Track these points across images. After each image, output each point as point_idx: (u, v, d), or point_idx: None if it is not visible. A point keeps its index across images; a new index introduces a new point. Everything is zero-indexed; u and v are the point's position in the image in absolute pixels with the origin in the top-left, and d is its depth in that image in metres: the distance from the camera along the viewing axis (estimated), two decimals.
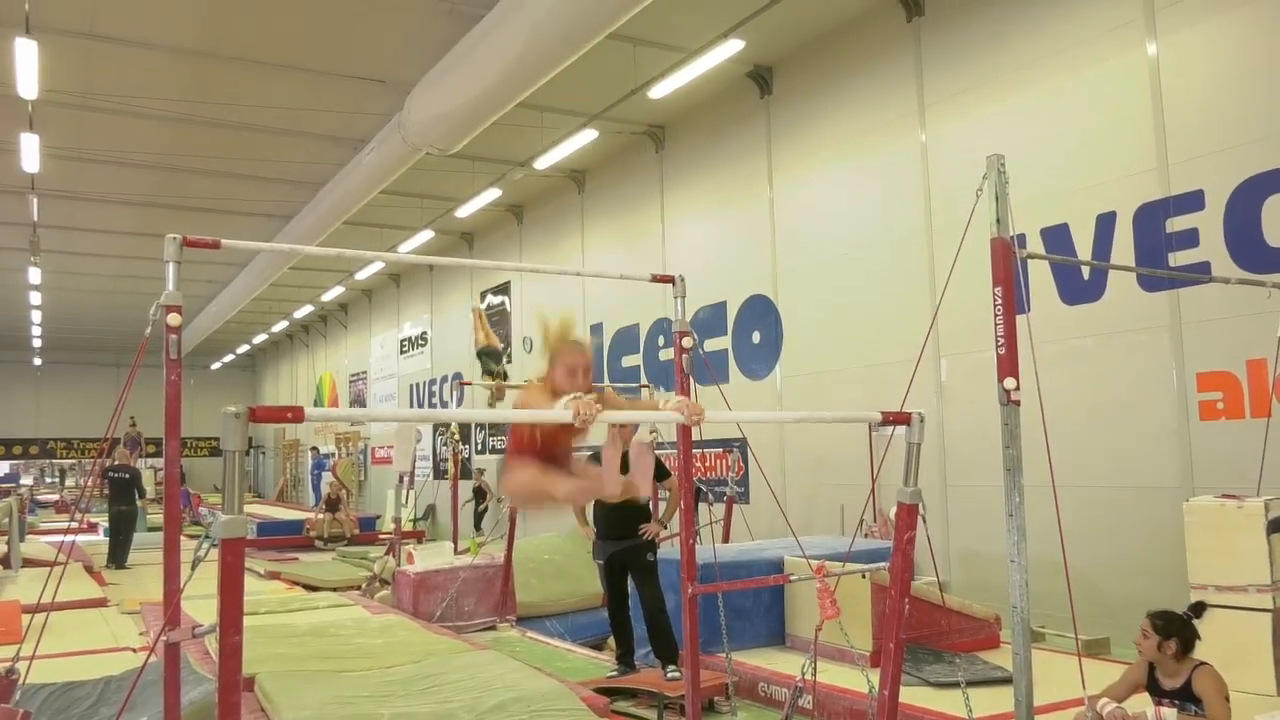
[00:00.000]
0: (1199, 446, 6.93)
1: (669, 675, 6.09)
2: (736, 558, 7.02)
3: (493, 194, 14.47)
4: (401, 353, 22.24)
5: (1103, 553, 7.29)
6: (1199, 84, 7.06)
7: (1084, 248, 7.66)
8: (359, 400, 24.95)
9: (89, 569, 11.63)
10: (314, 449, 27.82)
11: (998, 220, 4.07)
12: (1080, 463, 7.36)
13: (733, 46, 9.51)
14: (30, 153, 11.77)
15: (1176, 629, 4.03)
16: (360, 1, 9.18)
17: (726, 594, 6.15)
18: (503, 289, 17.35)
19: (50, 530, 18.19)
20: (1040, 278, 7.81)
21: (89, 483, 17.91)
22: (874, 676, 4.08)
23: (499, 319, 17.50)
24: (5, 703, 3.82)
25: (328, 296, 23.97)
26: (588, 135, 11.88)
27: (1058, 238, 7.83)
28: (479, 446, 18.17)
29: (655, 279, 5.06)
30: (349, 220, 14.08)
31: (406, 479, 13.08)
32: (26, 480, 32.09)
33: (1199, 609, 4.21)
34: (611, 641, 7.22)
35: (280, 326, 28.55)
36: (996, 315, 4.04)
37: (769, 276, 10.98)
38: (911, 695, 4.99)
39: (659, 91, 10.45)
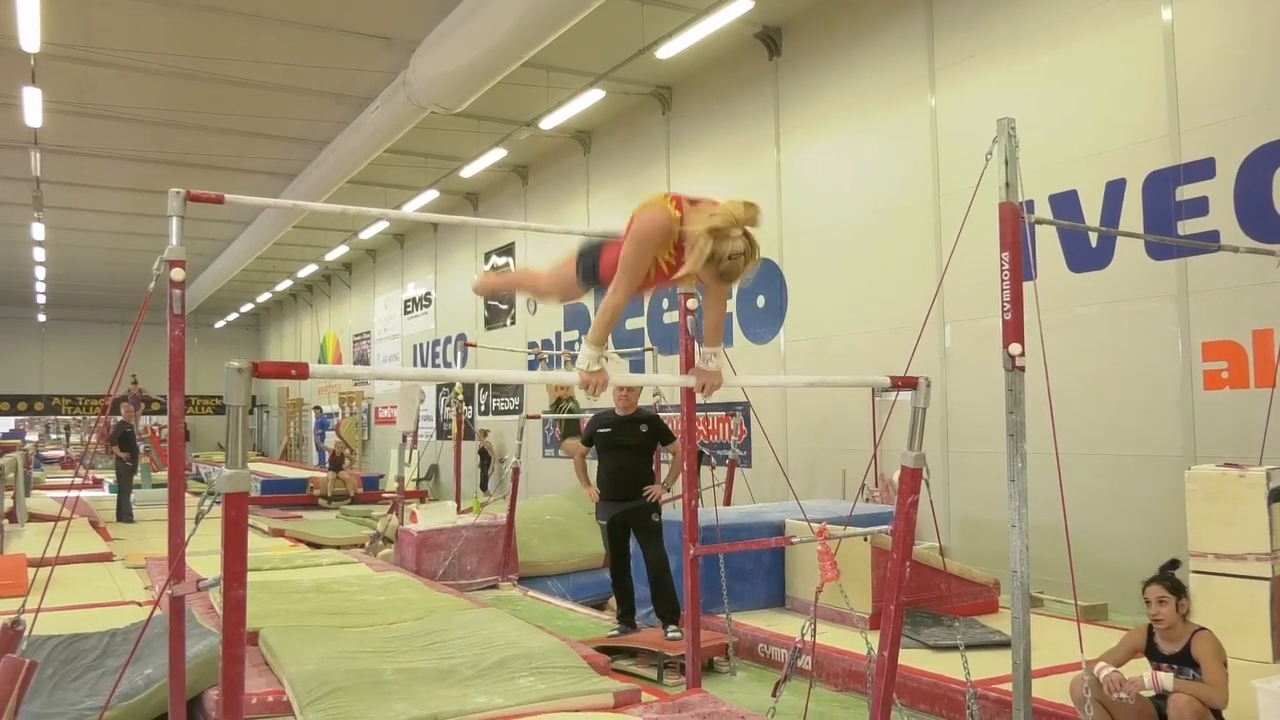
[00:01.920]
0: (1203, 416, 6.92)
1: (670, 635, 6.14)
2: (738, 520, 7.05)
3: (498, 154, 14.38)
4: (405, 313, 22.24)
5: (1103, 520, 7.31)
6: (1212, 51, 6.97)
7: (1093, 215, 7.61)
8: (363, 360, 24.99)
9: (94, 524, 11.71)
10: (317, 408, 27.94)
11: (1007, 185, 4.04)
12: (1083, 430, 7.36)
13: (741, 6, 9.38)
14: (33, 107, 11.69)
15: (1181, 587, 4.06)
16: None
17: (727, 556, 6.19)
18: (507, 250, 17.30)
19: (55, 486, 18.32)
20: (1048, 244, 7.77)
21: (93, 439, 18.03)
22: (873, 639, 4.11)
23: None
24: (11, 652, 3.86)
25: (332, 256, 23.90)
26: (594, 95, 11.78)
27: (1066, 204, 7.78)
28: (482, 407, 18.22)
29: None
30: (353, 179, 14.02)
31: (410, 439, 13.13)
32: (31, 436, 32.26)
33: (1175, 564, 4.23)
34: (612, 601, 7.28)
35: (284, 285, 28.52)
36: (1003, 281, 4.02)
37: (775, 240, 10.93)
38: (910, 658, 5.03)
39: (667, 52, 10.34)
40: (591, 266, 3.39)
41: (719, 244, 2.81)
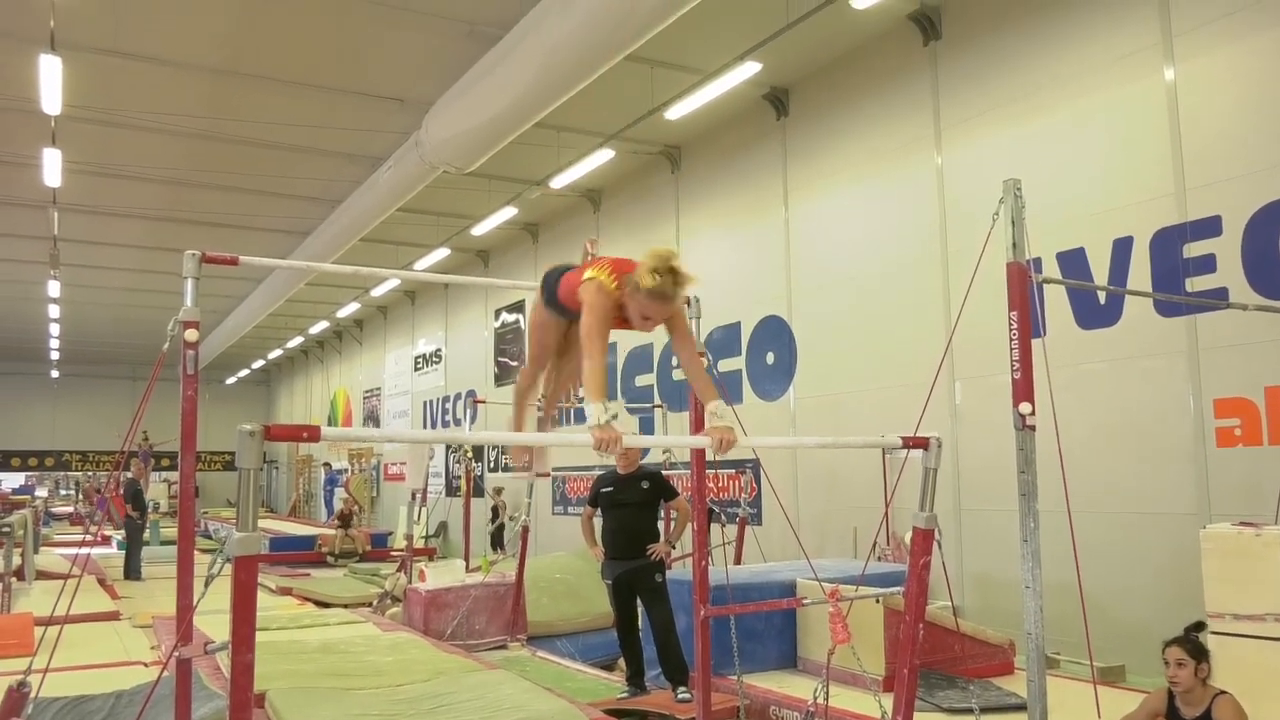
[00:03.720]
0: (1216, 473, 6.87)
1: (679, 697, 6.06)
2: (749, 579, 6.99)
3: (509, 212, 14.52)
4: (416, 369, 22.30)
5: (1118, 579, 7.22)
6: (1217, 109, 7.05)
7: (1100, 272, 7.63)
8: (373, 416, 25.01)
9: (102, 582, 11.66)
10: (327, 464, 27.89)
11: (1014, 244, 4.06)
12: (1095, 488, 7.31)
13: (749, 69, 9.54)
14: (52, 167, 11.88)
15: (1203, 650, 4.01)
16: (380, 21, 9.27)
17: (738, 616, 6.12)
18: (517, 307, 17.40)
19: (64, 543, 18.27)
20: (1056, 302, 7.79)
21: (105, 494, 18.02)
22: (887, 701, 4.05)
23: (512, 337, 17.54)
24: (17, 715, 3.82)
25: (343, 313, 24.08)
26: (604, 155, 11.92)
27: (1074, 262, 7.81)
28: (491, 464, 18.18)
29: None
30: (365, 237, 14.16)
31: (419, 496, 13.09)
32: (41, 492, 32.25)
33: (1198, 627, 4.17)
34: (622, 662, 7.19)
35: (295, 342, 28.68)
36: (1012, 340, 4.02)
37: (783, 297, 10.98)
38: None
39: (675, 113, 10.49)
40: (552, 289, 3.73)
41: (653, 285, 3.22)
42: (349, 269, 4.79)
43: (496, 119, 8.98)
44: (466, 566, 10.98)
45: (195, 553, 3.97)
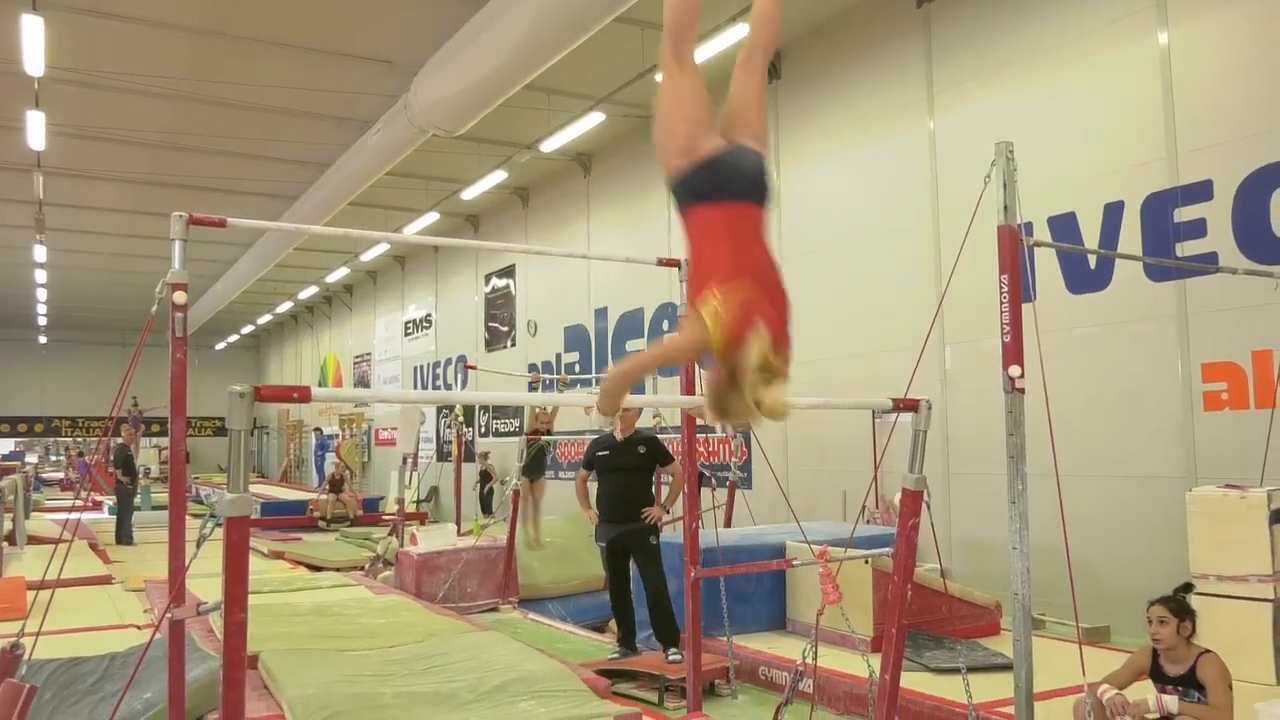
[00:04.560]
0: (1203, 437, 6.92)
1: (670, 658, 6.11)
2: (739, 542, 7.04)
3: (499, 176, 14.44)
4: (406, 335, 22.26)
5: (1104, 542, 7.29)
6: (1210, 74, 7.02)
7: (1091, 237, 7.64)
8: (363, 382, 24.98)
9: (94, 546, 11.68)
10: (317, 430, 27.88)
11: (1005, 208, 4.06)
12: (1083, 452, 7.36)
13: (740, 30, 9.44)
14: (36, 130, 11.75)
15: (1187, 609, 4.05)
16: None
17: (728, 578, 6.17)
18: (507, 272, 17.35)
19: (55, 508, 18.27)
20: (1046, 266, 7.79)
21: (94, 460, 18.01)
22: (875, 661, 4.10)
23: (503, 303, 17.50)
24: (10, 677, 3.84)
25: (332, 278, 23.95)
26: (595, 119, 11.83)
27: (1065, 226, 7.81)
28: (482, 429, 18.21)
29: (661, 262, 5.06)
30: (354, 201, 14.06)
31: (410, 461, 13.11)
32: (31, 458, 32.21)
33: (1187, 588, 4.23)
34: (613, 624, 7.26)
35: (285, 307, 28.55)
36: (1002, 303, 4.03)
37: None
38: (912, 680, 5.01)
39: None
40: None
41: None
42: (338, 232, 4.77)
43: (486, 81, 8.91)
44: (458, 530, 11.05)
45: (186, 517, 3.98)
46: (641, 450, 6.69)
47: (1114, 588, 7.01)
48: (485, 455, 16.82)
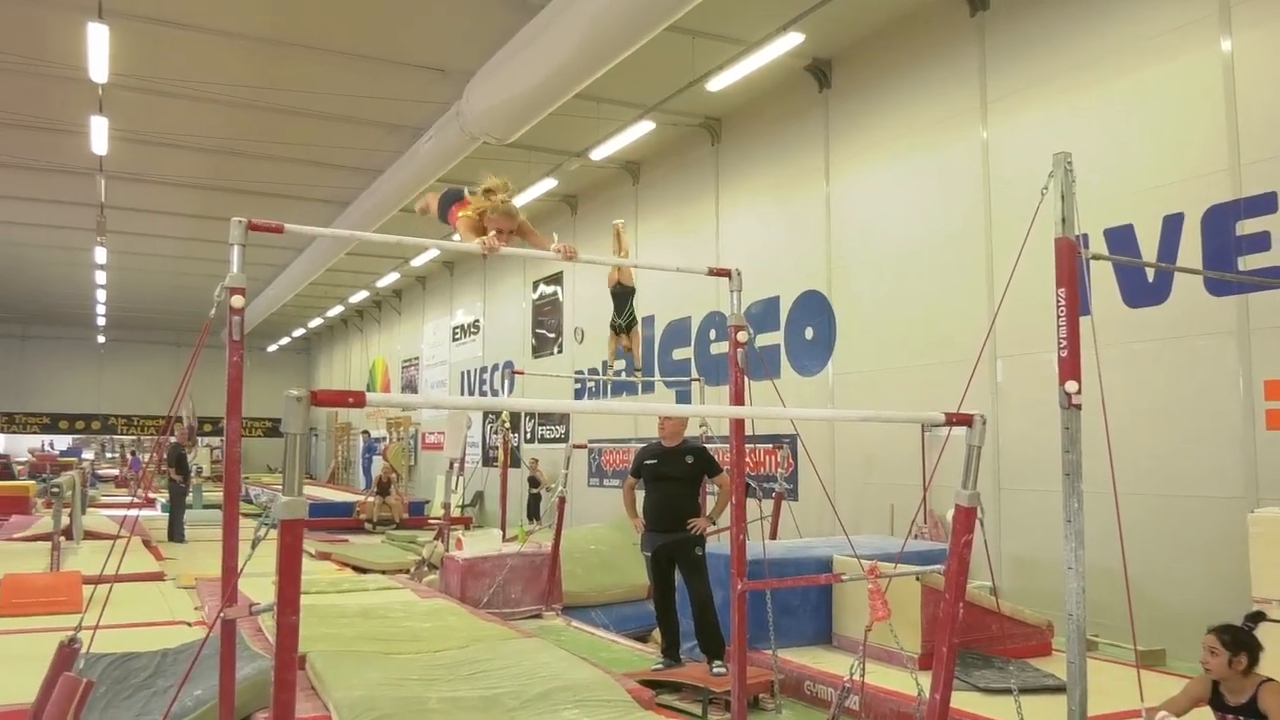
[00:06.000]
0: (1265, 456, 6.74)
1: (715, 670, 6.07)
2: (785, 555, 6.98)
3: (548, 184, 14.52)
4: (454, 340, 22.44)
5: (1160, 562, 7.14)
6: (1275, 83, 6.85)
7: (1149, 249, 7.48)
8: (410, 385, 25.23)
9: (147, 543, 11.90)
10: (365, 433, 28.21)
11: (1063, 220, 3.99)
12: (1139, 469, 7.21)
13: (792, 39, 9.42)
14: (99, 135, 12.04)
15: (1244, 643, 3.92)
16: None
17: (774, 591, 6.12)
18: (555, 279, 17.42)
19: (110, 504, 18.66)
20: (1102, 279, 7.65)
21: (151, 458, 18.35)
22: (924, 679, 4.03)
23: (550, 309, 17.57)
24: (68, 670, 3.92)
25: (382, 283, 24.24)
26: (644, 127, 11.86)
27: (1122, 238, 7.67)
28: (528, 435, 18.28)
29: (712, 272, 5.04)
30: (405, 208, 14.21)
31: (456, 465, 13.21)
32: (88, 455, 32.94)
33: (1257, 618, 4.09)
34: (656, 633, 7.23)
35: (335, 311, 28.95)
36: (1059, 317, 3.96)
37: (823, 272, 10.90)
38: (961, 700, 4.93)
39: (717, 84, 10.40)
40: (443, 210, 4.96)
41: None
42: (391, 239, 4.86)
43: (537, 89, 8.96)
44: (503, 536, 11.09)
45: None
46: (689, 460, 6.67)
47: (1170, 610, 6.84)
48: (535, 461, 16.91)
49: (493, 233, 4.48)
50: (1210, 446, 7.10)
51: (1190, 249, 7.23)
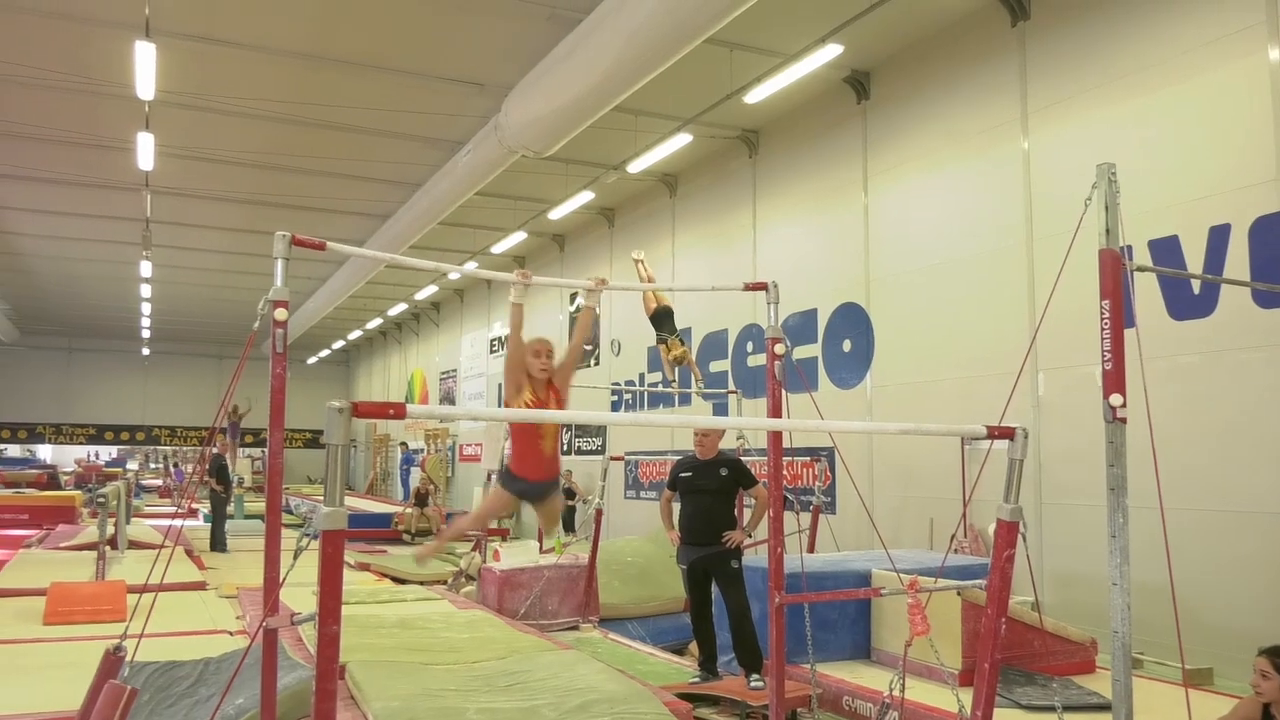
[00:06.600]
0: None
1: (752, 684, 6.04)
2: (823, 568, 6.93)
3: (585, 197, 14.58)
4: (491, 352, 22.57)
5: (1207, 578, 6.99)
6: None
7: (1195, 260, 7.36)
8: (448, 398, 25.39)
9: (189, 553, 12.05)
10: (403, 444, 28.40)
11: (1107, 231, 3.94)
12: (1185, 484, 7.08)
13: (831, 51, 9.41)
14: (146, 151, 12.26)
15: None
16: (462, 5, 9.35)
17: (811, 604, 6.07)
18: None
19: (153, 514, 18.93)
20: (1147, 291, 7.54)
21: (194, 469, 18.60)
22: (965, 696, 3.98)
23: None
24: (114, 678, 3.97)
25: (421, 295, 24.47)
26: (681, 139, 11.88)
27: (1167, 250, 7.55)
28: (565, 447, 18.32)
29: (748, 287, 5.04)
30: (444, 220, 14.35)
31: (493, 476, 13.24)
32: (132, 465, 33.46)
33: None
34: (693, 646, 7.20)
35: (374, 323, 29.24)
36: (1104, 330, 3.90)
37: (861, 284, 10.84)
38: (1003, 717, 4.85)
39: (754, 96, 10.40)
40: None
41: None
42: (430, 266, 4.98)
43: (575, 102, 9.01)
44: (540, 548, 11.11)
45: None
46: (724, 472, 6.65)
47: (1218, 628, 6.71)
48: (569, 473, 16.93)
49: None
50: (1257, 461, 6.95)
51: (1237, 260, 7.11)
